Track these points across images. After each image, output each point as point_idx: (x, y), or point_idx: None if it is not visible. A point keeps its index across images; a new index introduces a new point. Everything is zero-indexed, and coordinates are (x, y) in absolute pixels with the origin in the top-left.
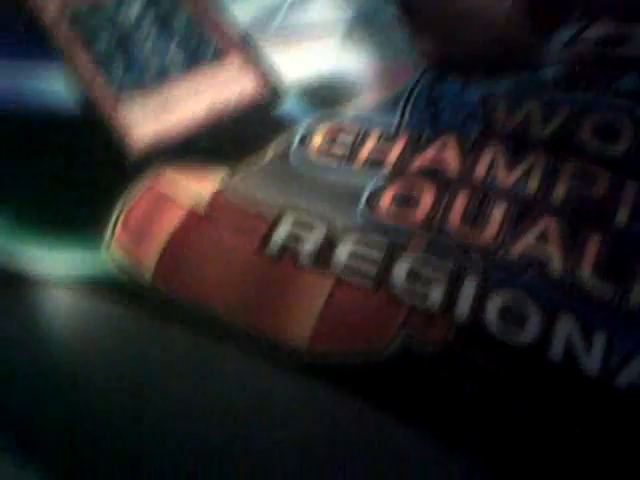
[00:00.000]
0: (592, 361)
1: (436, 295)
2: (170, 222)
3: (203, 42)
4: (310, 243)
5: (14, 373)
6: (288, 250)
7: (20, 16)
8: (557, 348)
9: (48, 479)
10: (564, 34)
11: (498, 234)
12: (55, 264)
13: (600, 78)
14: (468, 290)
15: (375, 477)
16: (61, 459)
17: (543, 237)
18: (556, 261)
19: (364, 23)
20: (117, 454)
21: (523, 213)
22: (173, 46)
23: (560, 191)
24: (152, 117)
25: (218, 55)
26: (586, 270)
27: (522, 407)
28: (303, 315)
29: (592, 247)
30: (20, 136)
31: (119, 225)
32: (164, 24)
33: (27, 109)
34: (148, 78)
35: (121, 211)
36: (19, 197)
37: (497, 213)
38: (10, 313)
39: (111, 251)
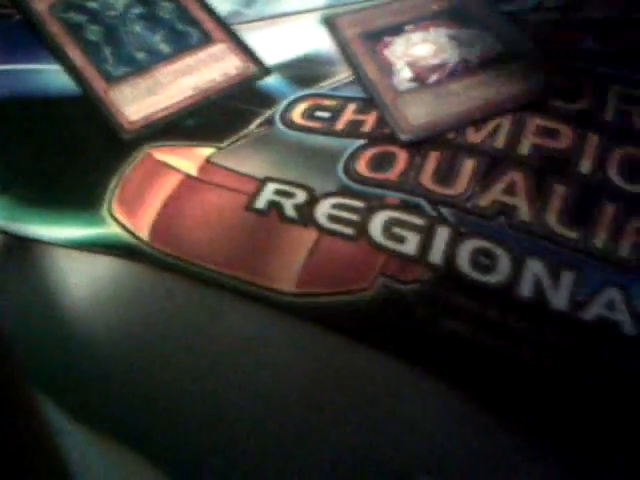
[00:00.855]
0: (560, 297)
1: (411, 243)
2: (164, 186)
3: (188, 27)
4: (293, 202)
5: (30, 329)
6: (273, 206)
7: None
8: (526, 286)
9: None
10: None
11: (467, 187)
12: (60, 230)
13: (562, 41)
14: (441, 237)
15: (360, 407)
16: (73, 399)
17: (510, 188)
18: (523, 210)
19: (342, 4)
20: (126, 397)
21: (491, 167)
22: (160, 32)
23: (525, 145)
24: (142, 98)
25: (203, 39)
26: (552, 217)
27: (493, 340)
28: (290, 262)
29: (557, 196)
30: (20, 121)
31: (117, 193)
32: (150, 12)
33: (25, 96)
34: (137, 63)
35: (118, 181)
36: (24, 174)
37: (466, 168)
38: (22, 274)
39: (111, 216)
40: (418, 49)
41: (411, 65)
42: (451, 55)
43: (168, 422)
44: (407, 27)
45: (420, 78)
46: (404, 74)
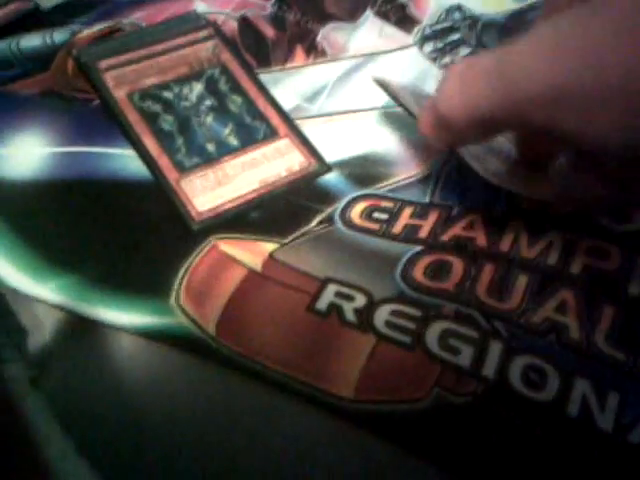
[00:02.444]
0: (606, 419)
1: (466, 355)
2: (230, 280)
3: (255, 123)
4: (353, 306)
5: (88, 408)
6: (333, 309)
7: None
8: (574, 406)
9: None
10: None
11: (521, 303)
12: (126, 316)
13: None
14: (494, 352)
15: None
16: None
17: (562, 306)
18: (573, 328)
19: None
20: None
21: (544, 284)
22: (229, 126)
23: (577, 265)
24: (211, 190)
25: (269, 134)
26: (601, 337)
27: (542, 458)
28: (349, 367)
29: (606, 316)
30: (93, 202)
31: (184, 284)
32: (221, 106)
33: (100, 179)
34: (207, 155)
35: (185, 272)
36: (95, 258)
37: (520, 283)
38: (85, 355)
39: (178, 307)
40: None
41: None
42: None
43: None
44: None
45: None
46: None
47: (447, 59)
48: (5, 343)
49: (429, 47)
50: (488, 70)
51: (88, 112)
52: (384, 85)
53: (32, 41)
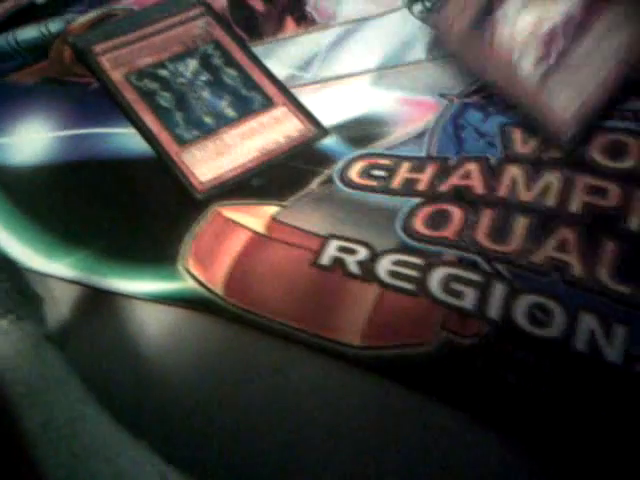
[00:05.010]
0: (615, 351)
1: (469, 298)
2: (234, 243)
3: (251, 93)
4: (356, 259)
5: (108, 375)
6: (337, 262)
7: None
8: (581, 340)
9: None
10: None
11: (522, 244)
12: (138, 284)
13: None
14: (497, 294)
15: (420, 456)
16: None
17: (563, 245)
18: (576, 265)
19: (392, 65)
20: (201, 443)
21: (543, 225)
22: (225, 98)
23: (576, 203)
24: (211, 160)
25: (265, 104)
26: (604, 272)
27: (551, 392)
28: (354, 316)
29: (608, 252)
30: (99, 181)
31: (191, 250)
32: (216, 80)
33: (103, 158)
34: (205, 127)
35: (191, 238)
36: (105, 232)
37: (520, 226)
38: (102, 324)
39: (186, 272)
40: None
41: None
42: None
43: (235, 462)
44: None
45: None
46: None
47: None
48: (22, 302)
49: (418, 7)
50: None
51: (87, 95)
52: None
53: (28, 33)
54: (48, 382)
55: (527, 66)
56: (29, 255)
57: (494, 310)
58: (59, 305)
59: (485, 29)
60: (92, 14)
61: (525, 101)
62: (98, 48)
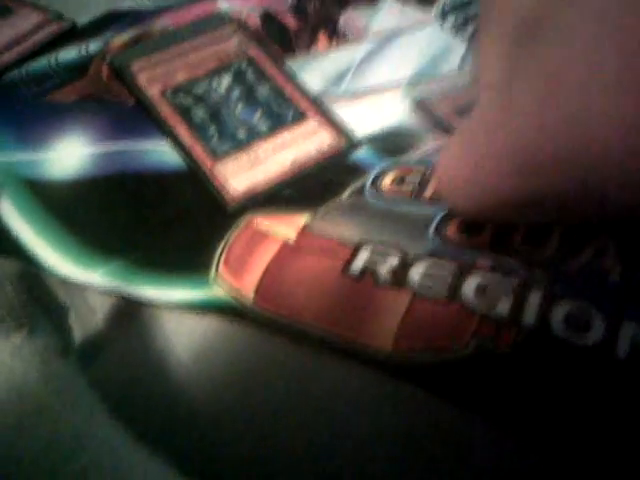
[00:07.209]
0: None
1: (504, 306)
2: (266, 252)
3: (283, 108)
4: (387, 266)
5: (140, 386)
6: (368, 271)
7: (128, 99)
8: (622, 348)
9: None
10: None
11: (559, 248)
12: (171, 293)
13: None
14: (533, 300)
15: (450, 465)
16: (180, 453)
17: (601, 251)
18: (615, 271)
19: (425, 78)
20: (228, 453)
21: (582, 229)
22: (258, 112)
23: None
24: (244, 172)
25: (297, 117)
26: None
27: (590, 402)
28: (385, 324)
29: None
30: (134, 194)
31: (223, 260)
32: (249, 95)
33: (139, 172)
34: (238, 141)
35: (223, 249)
36: (139, 243)
37: (556, 231)
38: (135, 334)
39: (218, 282)
40: None
41: None
42: None
43: (266, 471)
44: None
45: None
46: None
47: (470, 30)
48: (39, 314)
49: (449, 22)
50: None
51: (124, 113)
52: None
53: (69, 54)
54: (61, 398)
55: None
56: (64, 264)
57: (530, 317)
58: (91, 314)
59: None
60: (130, 34)
61: None
62: (136, 66)
